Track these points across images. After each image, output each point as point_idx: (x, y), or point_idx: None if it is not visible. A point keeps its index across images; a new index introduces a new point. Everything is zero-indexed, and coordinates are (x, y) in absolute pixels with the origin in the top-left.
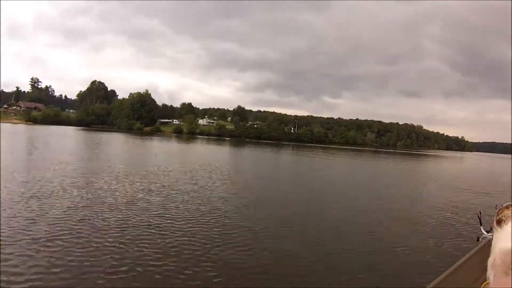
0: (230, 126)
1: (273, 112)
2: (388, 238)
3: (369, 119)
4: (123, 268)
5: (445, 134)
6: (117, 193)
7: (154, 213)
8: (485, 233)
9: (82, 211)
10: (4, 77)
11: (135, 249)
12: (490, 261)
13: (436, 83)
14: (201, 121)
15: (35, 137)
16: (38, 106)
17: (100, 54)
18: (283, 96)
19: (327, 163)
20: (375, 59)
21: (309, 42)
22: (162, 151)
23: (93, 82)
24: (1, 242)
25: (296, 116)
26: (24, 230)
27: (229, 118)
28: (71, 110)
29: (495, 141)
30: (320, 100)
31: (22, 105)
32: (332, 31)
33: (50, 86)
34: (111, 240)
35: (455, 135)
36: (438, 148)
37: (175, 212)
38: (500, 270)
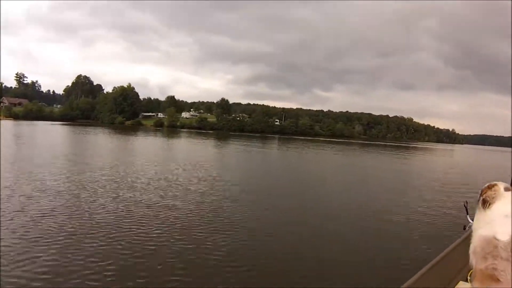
0: (212, 119)
1: (263, 105)
2: (369, 232)
3: (359, 112)
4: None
5: (436, 127)
6: None
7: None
8: (471, 221)
9: None
10: None
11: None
12: (471, 248)
13: (429, 77)
14: (184, 114)
15: None
16: (22, 102)
17: (92, 49)
18: (275, 89)
19: (300, 156)
20: (370, 52)
21: (303, 35)
22: (112, 146)
23: (79, 77)
24: None
25: (283, 108)
26: None
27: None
28: (59, 106)
29: (485, 133)
30: (312, 93)
31: (5, 101)
32: (327, 25)
33: (37, 81)
34: None
35: (447, 127)
36: (429, 141)
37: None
38: (479, 256)
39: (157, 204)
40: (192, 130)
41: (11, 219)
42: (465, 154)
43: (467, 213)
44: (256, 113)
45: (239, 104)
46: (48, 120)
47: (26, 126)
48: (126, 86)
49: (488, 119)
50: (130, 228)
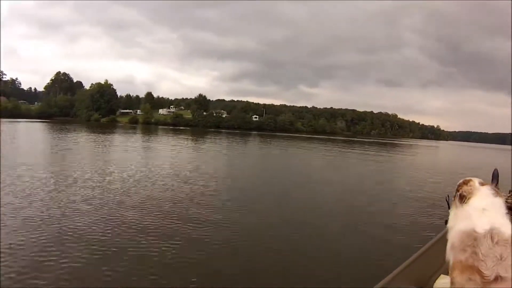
0: (188, 116)
1: (246, 101)
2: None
3: (344, 108)
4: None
5: (420, 123)
6: None
7: None
8: None
9: None
10: None
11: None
12: (448, 244)
13: (414, 73)
14: (162, 111)
15: None
16: None
17: (76, 45)
18: (261, 86)
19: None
20: (354, 49)
21: (288, 32)
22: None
23: (58, 73)
24: None
25: (264, 104)
26: None
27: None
28: (39, 103)
29: (470, 130)
30: (297, 90)
31: None
32: (311, 21)
33: (17, 78)
34: None
35: (432, 124)
36: (413, 137)
37: None
38: (458, 249)
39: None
40: (166, 127)
41: None
42: (450, 152)
43: (449, 208)
44: (235, 109)
45: (223, 100)
46: (25, 118)
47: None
48: (103, 83)
49: (472, 116)
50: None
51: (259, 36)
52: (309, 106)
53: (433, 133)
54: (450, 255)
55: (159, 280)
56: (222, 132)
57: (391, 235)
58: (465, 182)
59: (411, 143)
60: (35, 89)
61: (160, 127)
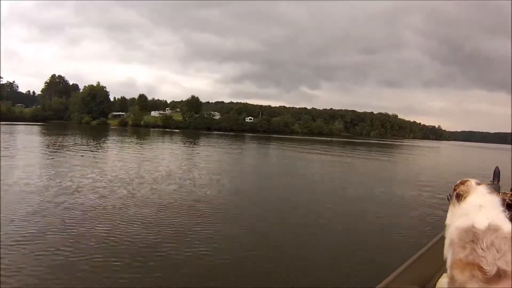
0: (179, 118)
1: (245, 103)
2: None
3: (343, 109)
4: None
5: (421, 124)
6: None
7: None
8: None
9: None
10: None
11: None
12: (447, 242)
13: (416, 73)
14: (153, 113)
15: None
16: None
17: (77, 48)
18: (262, 88)
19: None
20: (354, 49)
21: (289, 32)
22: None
23: (53, 76)
24: None
25: (261, 106)
26: None
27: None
28: (38, 106)
29: (472, 130)
30: (299, 91)
31: None
32: (311, 21)
33: (14, 81)
34: None
35: (433, 124)
36: (414, 138)
37: None
38: (457, 246)
39: None
40: (156, 129)
41: None
42: (452, 153)
43: None
44: (228, 111)
45: (222, 102)
46: (19, 121)
47: None
48: (95, 85)
49: (473, 115)
50: None
51: (259, 36)
52: (309, 107)
53: (434, 133)
54: (448, 253)
55: (160, 280)
56: (213, 134)
57: (393, 235)
58: (462, 183)
59: (410, 144)
60: (33, 92)
61: (151, 129)
